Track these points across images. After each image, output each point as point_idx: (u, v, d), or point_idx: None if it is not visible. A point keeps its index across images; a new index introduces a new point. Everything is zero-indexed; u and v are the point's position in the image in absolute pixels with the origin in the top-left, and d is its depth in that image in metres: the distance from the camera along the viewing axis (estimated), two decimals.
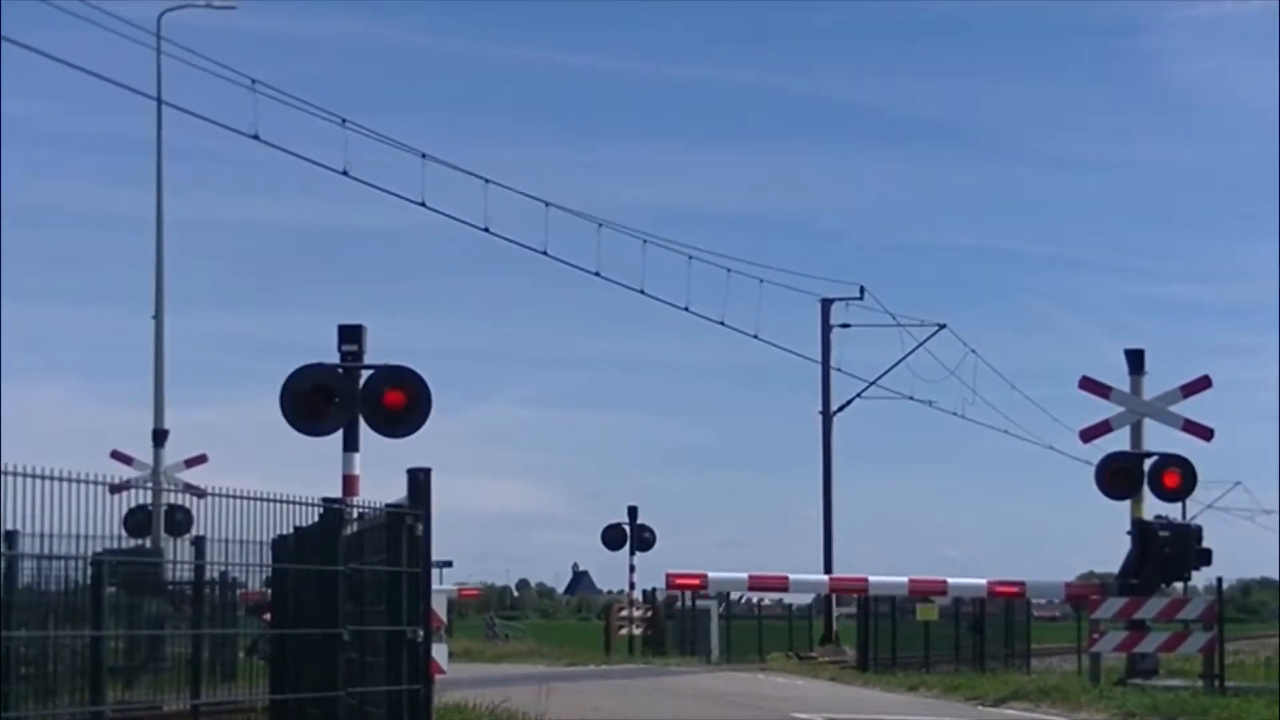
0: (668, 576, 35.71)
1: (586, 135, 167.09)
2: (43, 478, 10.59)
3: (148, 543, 31.87)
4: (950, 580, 35.60)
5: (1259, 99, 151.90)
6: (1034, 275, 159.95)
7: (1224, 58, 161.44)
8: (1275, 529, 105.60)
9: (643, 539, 52.20)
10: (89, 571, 12.80)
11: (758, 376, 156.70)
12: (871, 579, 35.87)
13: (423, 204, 28.06)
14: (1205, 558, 29.75)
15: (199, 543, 15.12)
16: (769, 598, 64.00)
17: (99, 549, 12.36)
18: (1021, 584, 35.43)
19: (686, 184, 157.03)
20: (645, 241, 34.81)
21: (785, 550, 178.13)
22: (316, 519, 14.02)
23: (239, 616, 17.07)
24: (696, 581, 35.75)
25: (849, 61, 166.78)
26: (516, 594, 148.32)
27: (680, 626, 52.21)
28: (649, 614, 52.56)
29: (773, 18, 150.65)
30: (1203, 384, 30.89)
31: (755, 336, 41.78)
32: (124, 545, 16.47)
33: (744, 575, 35.87)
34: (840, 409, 52.55)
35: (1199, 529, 30.50)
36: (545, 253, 31.44)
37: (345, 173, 26.42)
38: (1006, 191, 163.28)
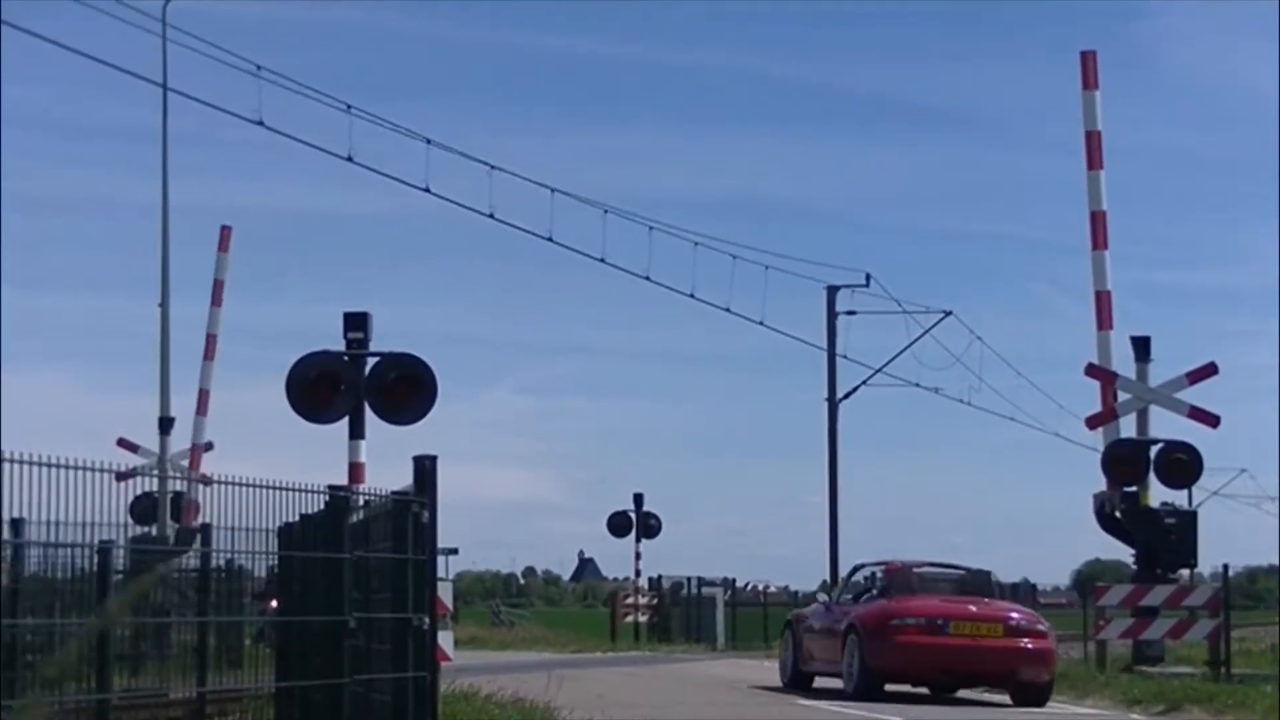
0: None
1: (591, 122, 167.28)
2: (49, 465, 10.57)
3: (154, 530, 31.94)
4: None
5: (1260, 82, 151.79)
6: (1040, 261, 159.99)
7: (1224, 40, 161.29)
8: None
9: (648, 526, 52.15)
10: (95, 559, 12.79)
11: (763, 364, 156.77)
12: None
13: (427, 190, 27.96)
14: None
15: (205, 530, 15.11)
16: (774, 585, 64.08)
17: (105, 537, 12.35)
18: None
19: (692, 171, 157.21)
20: (651, 228, 34.66)
21: (790, 538, 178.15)
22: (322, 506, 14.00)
23: (245, 604, 17.06)
24: None
25: (854, 48, 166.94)
26: (522, 581, 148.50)
27: (686, 613, 52.22)
28: (654, 601, 52.58)
29: (778, 4, 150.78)
30: (1209, 371, 30.72)
31: (760, 323, 41.57)
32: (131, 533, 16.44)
33: None
34: (846, 396, 52.50)
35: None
36: (550, 239, 31.35)
37: (350, 159, 26.33)
38: (1012, 177, 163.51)
